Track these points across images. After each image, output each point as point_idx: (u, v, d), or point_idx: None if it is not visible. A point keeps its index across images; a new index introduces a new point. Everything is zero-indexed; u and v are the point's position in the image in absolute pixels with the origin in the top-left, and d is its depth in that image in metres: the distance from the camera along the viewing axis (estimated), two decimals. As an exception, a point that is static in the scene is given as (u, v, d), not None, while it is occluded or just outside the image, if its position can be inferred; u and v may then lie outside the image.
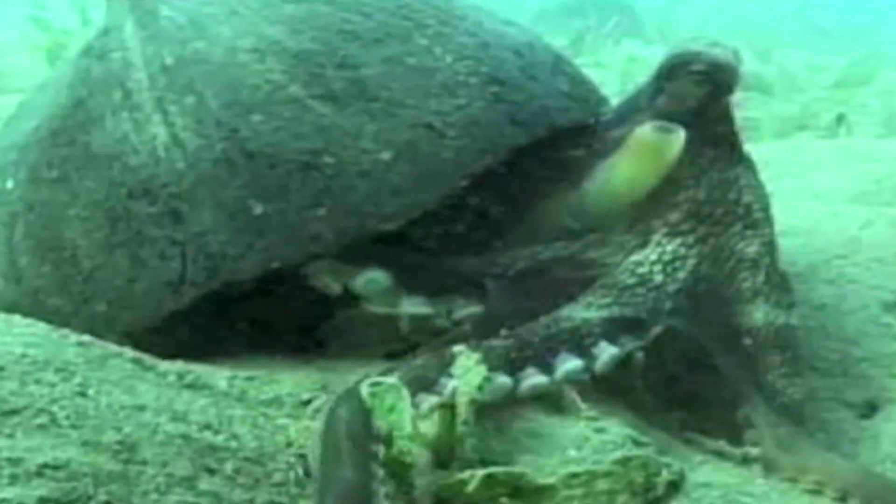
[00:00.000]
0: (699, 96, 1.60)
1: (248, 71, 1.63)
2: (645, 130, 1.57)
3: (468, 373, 1.27)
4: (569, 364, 1.46)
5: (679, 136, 1.56)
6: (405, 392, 1.23)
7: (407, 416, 1.20)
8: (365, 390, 1.23)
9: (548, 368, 1.45)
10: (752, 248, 1.57)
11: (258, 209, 1.56)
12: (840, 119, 3.79)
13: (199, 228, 1.58)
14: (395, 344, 1.59)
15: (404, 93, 1.63)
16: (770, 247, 1.59)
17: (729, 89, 1.62)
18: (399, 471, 1.21)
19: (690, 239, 1.56)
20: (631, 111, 1.69)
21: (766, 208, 1.61)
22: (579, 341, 1.47)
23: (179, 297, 1.58)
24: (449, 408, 1.27)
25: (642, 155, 1.57)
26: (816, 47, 8.07)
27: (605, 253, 1.57)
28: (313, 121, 1.59)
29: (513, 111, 1.68)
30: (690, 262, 1.56)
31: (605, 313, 1.50)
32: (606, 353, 1.48)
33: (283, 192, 1.56)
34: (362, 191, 1.56)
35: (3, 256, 1.72)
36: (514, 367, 1.42)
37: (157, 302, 1.59)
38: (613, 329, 1.49)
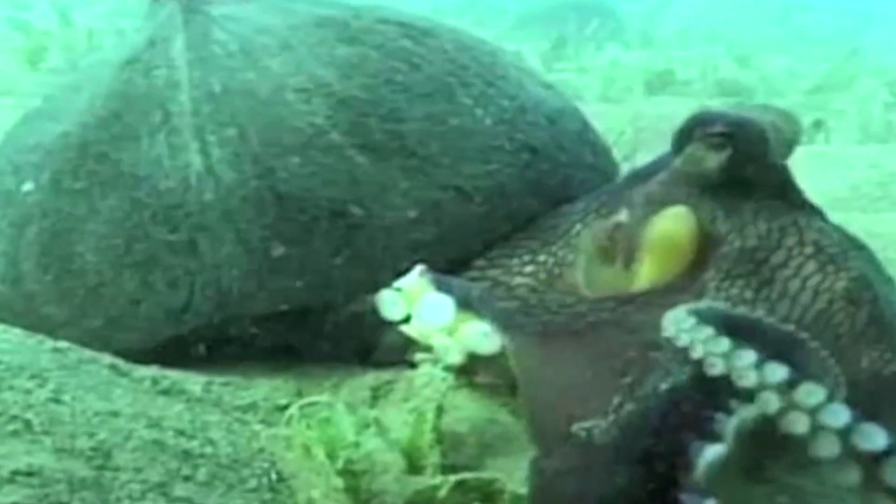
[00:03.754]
0: (720, 160, 1.50)
1: (292, 111, 1.62)
2: (655, 229, 1.48)
3: (434, 380, 1.28)
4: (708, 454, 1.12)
5: (686, 220, 1.47)
6: (340, 406, 1.23)
7: (347, 426, 1.21)
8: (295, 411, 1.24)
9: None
10: (840, 284, 1.39)
11: (278, 251, 1.56)
12: (818, 125, 3.81)
13: (214, 262, 1.57)
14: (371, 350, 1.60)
15: (441, 153, 1.64)
16: (865, 282, 1.39)
17: (757, 152, 1.50)
18: (351, 482, 1.22)
19: (753, 282, 1.40)
20: (652, 171, 1.61)
21: (842, 244, 1.45)
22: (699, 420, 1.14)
23: (180, 324, 1.57)
24: (420, 414, 1.28)
25: (662, 253, 1.47)
26: (798, 52, 8.12)
27: (656, 314, 1.35)
28: (348, 170, 1.59)
29: (539, 181, 1.69)
30: (760, 305, 1.37)
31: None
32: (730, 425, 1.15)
33: (306, 237, 1.56)
34: (382, 245, 1.57)
35: (5, 256, 1.69)
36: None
37: (157, 326, 1.58)
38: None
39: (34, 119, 1.85)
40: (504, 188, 1.66)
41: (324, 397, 1.36)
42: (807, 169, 3.13)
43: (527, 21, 8.91)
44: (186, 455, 1.28)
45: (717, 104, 1.67)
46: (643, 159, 3.33)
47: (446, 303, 1.48)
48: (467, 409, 1.40)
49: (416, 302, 1.49)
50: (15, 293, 1.67)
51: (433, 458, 1.27)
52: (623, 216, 1.53)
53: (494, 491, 1.24)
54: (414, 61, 1.72)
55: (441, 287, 1.49)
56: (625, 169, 2.53)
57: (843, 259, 1.41)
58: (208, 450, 1.31)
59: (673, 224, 1.49)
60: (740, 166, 1.50)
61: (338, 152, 1.60)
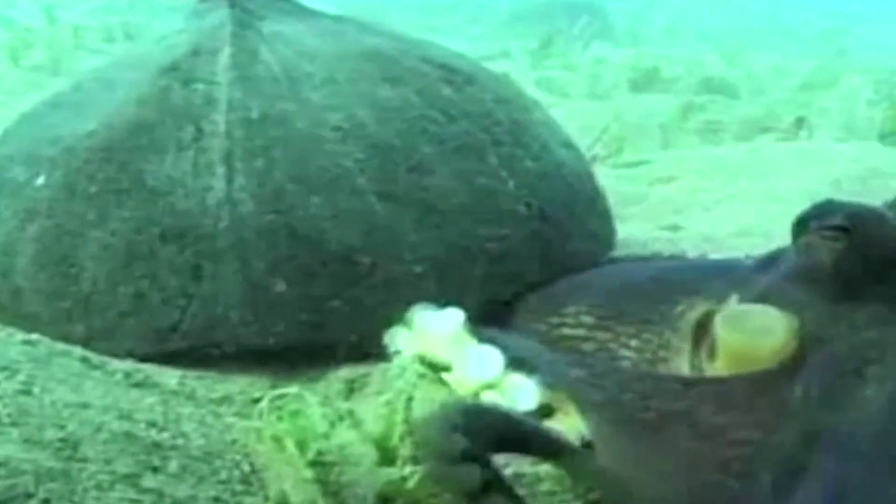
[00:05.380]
0: (834, 254, 1.38)
1: (324, 150, 1.61)
2: (732, 335, 1.36)
3: (406, 371, 1.28)
4: None
5: (769, 332, 1.35)
6: (309, 397, 1.24)
7: (318, 418, 1.21)
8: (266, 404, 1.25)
9: None
10: None
11: (280, 287, 1.55)
12: (800, 122, 3.82)
13: (213, 289, 1.55)
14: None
15: (461, 211, 1.64)
16: None
17: (876, 249, 1.38)
18: (321, 473, 1.22)
19: (837, 390, 1.27)
20: (775, 263, 1.51)
21: None
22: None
23: (165, 343, 1.55)
24: (392, 405, 1.27)
25: (734, 361, 1.36)
26: (785, 50, 8.14)
27: (730, 414, 1.26)
28: (366, 218, 1.59)
29: (545, 249, 1.70)
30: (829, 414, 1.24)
31: None
32: None
33: (310, 277, 1.56)
34: (381, 296, 1.57)
35: (0, 246, 1.66)
36: None
37: (141, 342, 1.56)
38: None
39: (57, 108, 1.81)
40: (511, 253, 1.66)
41: (294, 389, 1.36)
42: (790, 165, 3.16)
43: (518, 18, 8.91)
44: (157, 447, 1.28)
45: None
46: (628, 157, 3.35)
47: (495, 358, 1.42)
48: (440, 401, 1.40)
49: (454, 350, 1.43)
50: (2, 285, 1.64)
51: (404, 449, 1.27)
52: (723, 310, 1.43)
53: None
54: (452, 113, 1.72)
55: (490, 342, 1.43)
56: (609, 168, 2.53)
57: None
58: (180, 442, 1.31)
59: (751, 336, 1.36)
60: (856, 262, 1.38)
61: (360, 198, 1.59)
